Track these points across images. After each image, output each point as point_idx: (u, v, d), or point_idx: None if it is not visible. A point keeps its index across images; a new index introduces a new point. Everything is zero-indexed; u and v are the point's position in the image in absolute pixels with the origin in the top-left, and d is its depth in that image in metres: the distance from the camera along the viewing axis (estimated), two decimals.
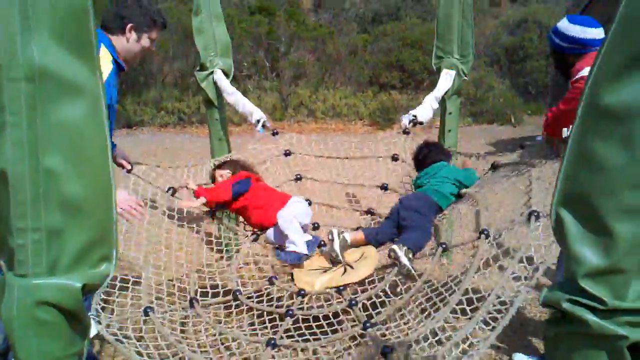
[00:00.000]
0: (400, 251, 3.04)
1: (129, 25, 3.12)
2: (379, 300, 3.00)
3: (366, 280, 3.24)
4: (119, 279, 2.99)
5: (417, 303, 2.89)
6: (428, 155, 3.88)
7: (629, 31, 1.10)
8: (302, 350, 2.70)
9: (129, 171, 3.61)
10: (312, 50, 14.90)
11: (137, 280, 3.10)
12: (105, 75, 3.00)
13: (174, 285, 3.24)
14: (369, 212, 4.26)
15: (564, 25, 3.25)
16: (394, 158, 4.27)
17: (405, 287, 3.04)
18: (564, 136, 3.15)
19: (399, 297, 2.97)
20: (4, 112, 1.24)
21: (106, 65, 3.02)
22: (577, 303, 1.25)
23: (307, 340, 2.79)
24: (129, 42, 3.16)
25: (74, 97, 1.30)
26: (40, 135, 1.27)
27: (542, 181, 2.96)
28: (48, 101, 1.27)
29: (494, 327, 2.19)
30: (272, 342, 2.71)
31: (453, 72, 4.40)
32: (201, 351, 2.65)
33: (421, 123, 4.29)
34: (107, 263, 1.44)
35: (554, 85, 10.59)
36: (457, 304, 2.53)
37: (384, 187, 4.31)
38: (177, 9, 14.08)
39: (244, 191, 3.69)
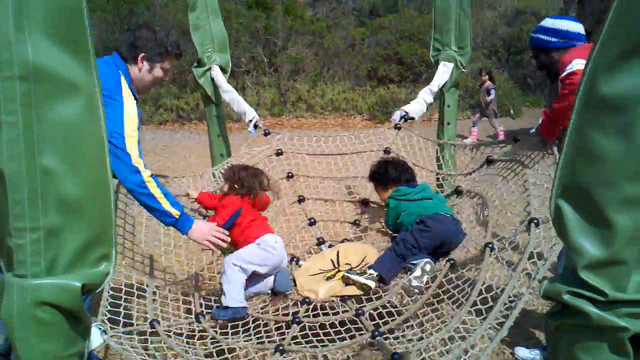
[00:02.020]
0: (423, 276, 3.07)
1: (141, 55, 3.06)
2: (386, 310, 3.01)
3: (371, 293, 3.22)
4: (124, 290, 2.99)
5: (424, 313, 2.93)
6: (403, 172, 3.72)
7: (626, 21, 1.09)
8: (312, 358, 2.71)
9: None
10: (310, 44, 14.86)
11: (142, 293, 3.10)
12: (134, 109, 2.98)
13: (178, 300, 3.25)
14: (364, 202, 4.29)
15: (549, 22, 3.35)
16: (386, 151, 4.26)
17: (412, 298, 3.06)
18: None
19: (405, 308, 2.99)
20: None
21: (129, 99, 2.97)
22: (578, 295, 1.25)
23: (315, 346, 2.79)
24: (141, 72, 3.09)
25: (69, 96, 1.30)
26: (36, 134, 1.26)
27: (538, 186, 3.02)
28: (44, 100, 1.26)
29: (499, 327, 2.22)
30: (280, 347, 2.71)
31: (451, 65, 4.38)
32: None
33: (412, 118, 4.29)
34: (106, 262, 1.44)
35: (550, 91, 10.60)
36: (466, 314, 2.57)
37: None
38: (173, 5, 14.06)
39: (230, 228, 3.43)
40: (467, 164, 3.95)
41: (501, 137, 10.09)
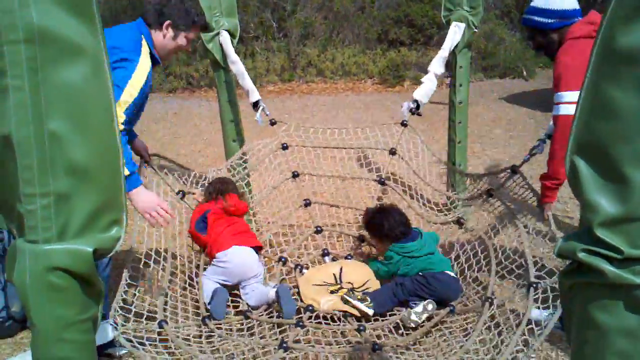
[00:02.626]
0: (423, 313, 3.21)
1: (166, 22, 3.12)
2: (383, 333, 3.17)
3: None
4: (137, 288, 3.04)
5: (421, 343, 3.08)
6: (400, 226, 3.66)
7: None
8: (314, 356, 2.86)
9: (146, 162, 3.60)
10: (319, 7, 14.67)
11: (153, 291, 3.17)
12: (145, 72, 3.03)
13: (186, 302, 3.32)
14: (361, 238, 4.29)
15: (541, 2, 3.30)
16: (392, 152, 4.24)
17: (406, 332, 3.19)
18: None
19: (404, 334, 3.16)
20: (5, 75, 1.22)
21: (146, 60, 3.02)
22: (593, 253, 1.23)
23: (319, 346, 2.95)
24: (165, 38, 3.17)
25: (75, 59, 1.28)
26: (43, 99, 1.25)
27: (535, 239, 3.21)
28: (49, 63, 1.25)
29: None
30: (284, 344, 2.78)
31: (463, 25, 4.32)
32: (215, 357, 2.71)
33: (419, 114, 4.27)
34: (117, 227, 1.44)
35: None
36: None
37: (382, 182, 4.31)
38: None
39: (202, 230, 3.59)
40: (471, 190, 4.00)
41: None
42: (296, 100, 12.04)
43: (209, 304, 3.27)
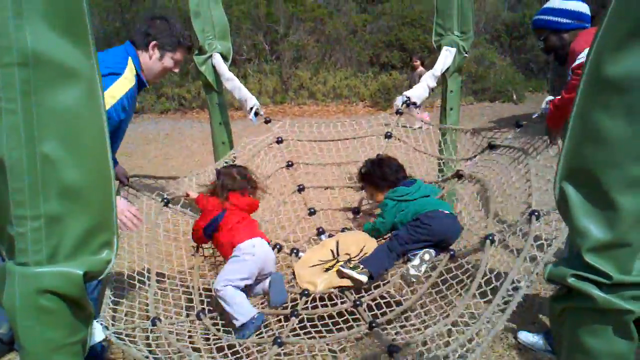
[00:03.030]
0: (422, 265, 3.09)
1: (152, 43, 3.11)
2: (384, 301, 3.02)
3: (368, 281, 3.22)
4: (126, 283, 3.00)
5: (422, 305, 2.94)
6: (398, 172, 3.64)
7: (632, 0, 1.07)
8: (309, 349, 2.72)
9: (123, 184, 3.54)
10: (312, 31, 14.80)
11: (144, 286, 3.11)
12: (125, 89, 2.98)
13: (180, 297, 3.26)
14: (355, 210, 4.24)
15: (557, 3, 3.28)
16: (387, 136, 4.23)
17: (411, 289, 3.07)
18: None
19: (404, 299, 3.00)
20: None
21: (130, 76, 3.02)
22: (583, 278, 1.24)
23: (313, 337, 2.80)
24: (152, 59, 3.15)
25: (69, 82, 1.29)
26: (36, 121, 1.25)
27: (540, 177, 2.99)
28: (43, 86, 1.25)
29: (500, 314, 2.23)
30: (279, 340, 2.72)
31: (453, 50, 4.36)
32: (208, 356, 2.65)
33: (415, 104, 4.25)
34: (108, 249, 1.44)
35: (553, 76, 10.52)
36: (465, 308, 2.58)
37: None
38: None
39: (214, 231, 3.38)
40: (469, 149, 3.92)
41: (426, 118, 9.95)
42: (287, 121, 12.06)
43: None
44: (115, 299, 2.77)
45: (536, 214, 2.69)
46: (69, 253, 1.34)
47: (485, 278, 2.63)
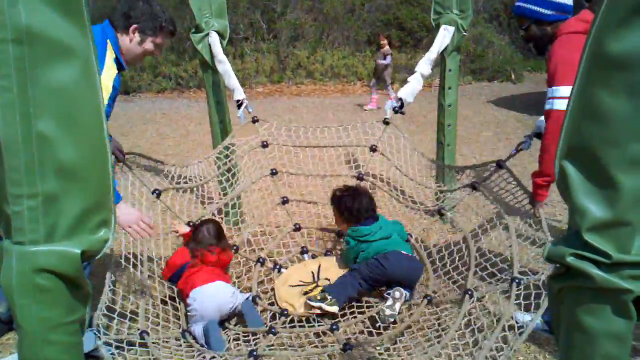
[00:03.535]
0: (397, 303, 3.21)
1: (133, 27, 3.03)
2: (359, 330, 3.17)
3: (347, 309, 3.37)
4: (120, 295, 3.03)
5: (395, 346, 3.03)
6: (366, 211, 3.67)
7: None
8: None
9: (119, 161, 3.46)
10: (309, 9, 14.69)
11: (135, 302, 3.17)
12: (110, 79, 2.92)
13: (168, 311, 3.33)
14: (339, 233, 4.26)
15: None
16: (372, 149, 4.22)
17: (385, 325, 3.18)
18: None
19: (378, 332, 3.12)
20: None
21: (111, 65, 2.94)
22: (582, 257, 1.24)
23: (286, 350, 2.97)
24: (132, 42, 3.05)
25: (64, 59, 1.27)
26: (31, 99, 1.23)
27: (520, 240, 3.13)
28: (38, 63, 1.23)
29: None
30: (254, 353, 2.82)
31: (452, 28, 4.33)
32: None
33: (402, 112, 4.22)
34: (105, 229, 1.43)
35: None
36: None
37: (360, 177, 4.30)
38: None
39: (177, 279, 3.47)
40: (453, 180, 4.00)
41: (391, 98, 9.91)
42: (285, 101, 12.04)
43: (207, 344, 3.11)
44: (110, 305, 2.83)
45: (517, 280, 2.83)
46: (66, 232, 1.34)
47: (459, 332, 2.76)
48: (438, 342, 2.74)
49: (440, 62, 4.60)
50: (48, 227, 1.31)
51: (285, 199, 4.29)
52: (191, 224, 3.77)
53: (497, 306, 2.88)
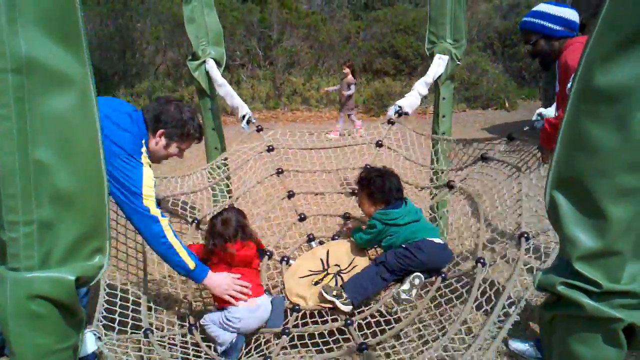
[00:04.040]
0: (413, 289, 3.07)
1: (160, 131, 3.01)
2: (374, 320, 2.99)
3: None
4: (119, 296, 2.97)
5: (414, 328, 2.93)
6: (397, 191, 3.48)
7: (622, 11, 1.08)
8: None
9: None
10: (305, 37, 14.83)
11: (137, 300, 3.09)
12: (150, 174, 2.87)
13: (172, 308, 3.27)
14: (346, 216, 4.22)
15: (551, 9, 3.26)
16: (378, 144, 4.23)
17: (401, 308, 3.08)
18: None
19: (396, 318, 3.02)
20: None
21: (147, 165, 2.90)
22: (572, 286, 1.25)
23: (302, 358, 2.86)
24: (157, 145, 3.04)
25: (63, 89, 1.29)
26: (29, 127, 1.25)
27: (530, 198, 3.00)
28: (37, 93, 1.25)
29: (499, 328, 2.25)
30: (268, 358, 2.74)
31: (446, 57, 4.37)
32: None
33: (407, 113, 4.24)
34: (100, 255, 1.43)
35: (545, 85, 10.48)
36: (455, 333, 2.59)
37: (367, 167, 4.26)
38: None
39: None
40: (462, 157, 3.91)
41: (358, 126, 9.71)
42: (280, 127, 12.05)
43: (225, 353, 3.01)
44: (109, 306, 2.76)
45: (525, 235, 2.71)
46: (61, 258, 1.34)
47: (477, 302, 2.65)
48: (457, 319, 2.63)
49: (434, 90, 4.64)
50: (43, 254, 1.32)
51: (291, 192, 4.25)
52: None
53: (509, 265, 2.73)
